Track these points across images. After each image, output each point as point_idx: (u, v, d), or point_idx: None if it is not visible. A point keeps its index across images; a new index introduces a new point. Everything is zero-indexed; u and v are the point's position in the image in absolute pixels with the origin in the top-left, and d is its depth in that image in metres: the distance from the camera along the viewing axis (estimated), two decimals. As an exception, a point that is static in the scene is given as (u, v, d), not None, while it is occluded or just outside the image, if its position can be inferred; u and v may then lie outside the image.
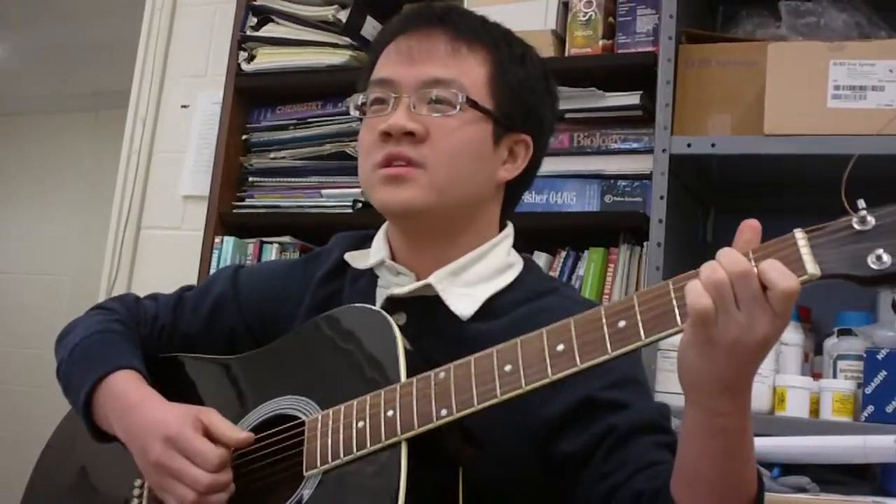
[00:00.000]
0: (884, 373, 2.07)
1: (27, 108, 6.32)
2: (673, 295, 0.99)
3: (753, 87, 2.32)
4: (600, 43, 2.59)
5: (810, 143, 2.21)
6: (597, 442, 1.16)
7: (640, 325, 1.00)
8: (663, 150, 2.34)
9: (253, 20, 3.03)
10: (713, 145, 2.32)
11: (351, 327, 1.27)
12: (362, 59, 2.90)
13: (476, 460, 1.16)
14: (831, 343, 2.26)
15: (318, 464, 1.17)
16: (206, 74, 3.35)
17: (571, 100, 2.52)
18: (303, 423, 1.21)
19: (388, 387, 1.15)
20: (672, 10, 2.41)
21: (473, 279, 1.31)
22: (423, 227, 1.32)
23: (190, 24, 3.44)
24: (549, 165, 2.21)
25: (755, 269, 0.93)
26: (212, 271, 2.82)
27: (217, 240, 2.94)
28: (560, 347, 1.05)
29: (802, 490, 1.90)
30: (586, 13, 2.60)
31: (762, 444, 1.91)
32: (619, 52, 2.59)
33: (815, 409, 2.14)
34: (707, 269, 0.95)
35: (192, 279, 2.75)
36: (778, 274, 0.92)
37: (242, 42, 3.02)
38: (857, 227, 0.95)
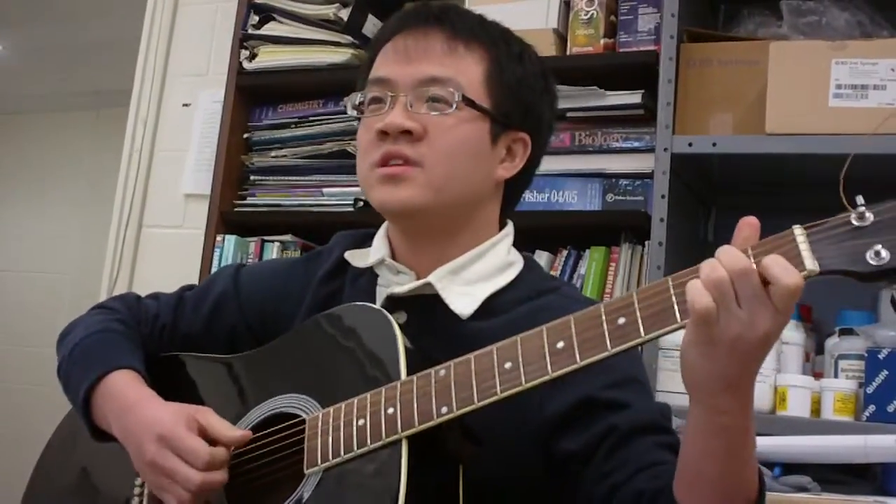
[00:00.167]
0: (885, 372, 2.07)
1: (28, 107, 6.32)
2: (672, 292, 0.99)
3: (755, 87, 2.31)
4: (602, 42, 2.58)
5: (812, 142, 2.21)
6: (598, 441, 1.16)
7: (640, 321, 1.00)
8: (665, 150, 2.34)
9: (254, 18, 3.03)
10: (714, 144, 2.32)
11: (351, 325, 1.27)
12: (364, 57, 2.86)
13: (477, 458, 1.16)
14: (832, 342, 2.26)
15: (319, 462, 1.17)
16: (207, 73, 3.35)
17: (573, 99, 2.52)
18: (303, 422, 1.21)
19: (389, 385, 1.15)
20: (674, 9, 2.41)
21: (473, 278, 1.31)
22: (421, 226, 1.32)
23: (191, 22, 3.44)
24: (550, 164, 2.22)
25: (755, 266, 0.93)
26: (213, 270, 2.82)
27: (218, 238, 2.94)
28: (560, 344, 1.05)
29: (804, 490, 1.90)
30: (588, 12, 2.60)
31: (763, 443, 1.91)
32: (621, 50, 2.59)
33: (816, 409, 2.14)
34: (707, 267, 0.95)
35: (194, 278, 2.75)
36: (781, 269, 0.92)
37: (244, 40, 3.02)
38: (855, 223, 0.95)
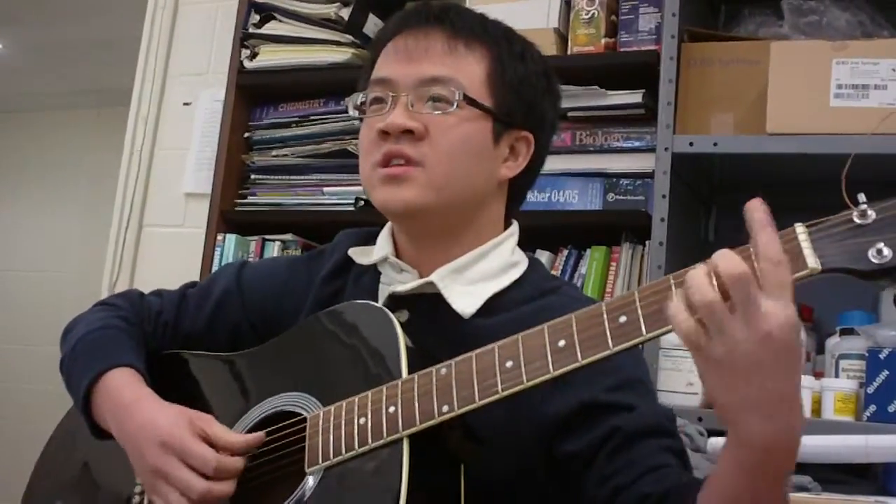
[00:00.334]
0: (886, 372, 2.07)
1: (29, 106, 6.32)
2: (674, 290, 0.98)
3: (756, 86, 2.32)
4: (603, 41, 2.59)
5: (813, 142, 2.21)
6: (600, 442, 1.15)
7: (641, 319, 1.00)
8: (665, 149, 2.34)
9: (255, 18, 3.03)
10: (715, 144, 2.33)
11: (353, 324, 1.27)
12: (364, 56, 2.87)
13: (478, 457, 1.16)
14: (833, 342, 2.26)
15: (320, 460, 1.17)
16: (208, 72, 3.36)
17: (574, 98, 2.52)
18: (304, 420, 1.21)
19: (390, 383, 1.15)
20: (675, 9, 2.41)
21: (476, 277, 1.31)
22: (424, 225, 1.32)
23: (192, 21, 3.45)
24: (551, 164, 2.21)
25: (717, 297, 0.91)
26: (214, 269, 2.82)
27: (219, 237, 2.95)
28: (561, 343, 1.05)
29: (804, 489, 1.90)
30: (589, 11, 2.60)
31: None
32: (622, 50, 2.59)
33: (817, 409, 2.14)
34: (687, 289, 0.93)
35: (194, 277, 2.74)
36: (770, 265, 0.91)
37: (245, 39, 3.03)
38: (857, 220, 0.94)
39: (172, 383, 1.38)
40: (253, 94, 3.07)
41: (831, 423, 2.08)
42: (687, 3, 2.45)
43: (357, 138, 2.84)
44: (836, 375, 2.19)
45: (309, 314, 1.36)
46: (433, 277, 1.29)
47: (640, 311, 1.00)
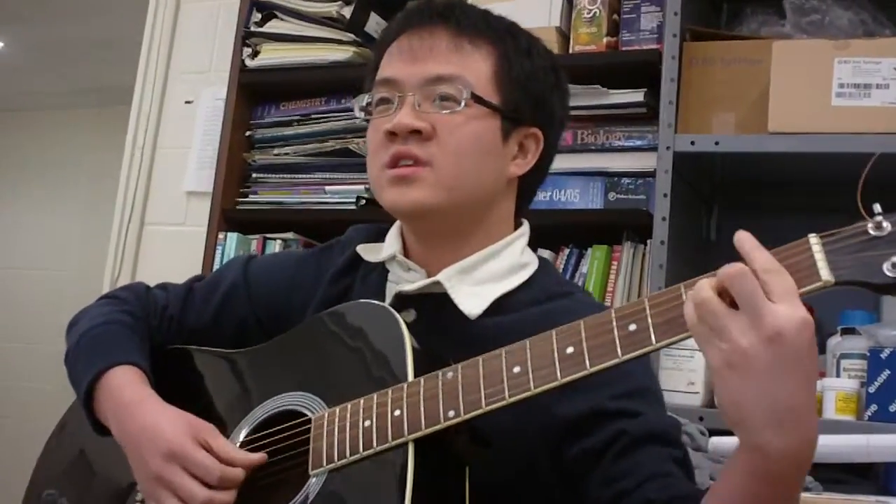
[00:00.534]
0: (887, 372, 2.07)
1: (30, 105, 6.32)
2: (685, 298, 0.96)
3: (758, 86, 2.31)
4: (604, 40, 2.58)
5: (814, 141, 2.21)
6: (606, 445, 1.15)
7: (651, 328, 0.98)
8: (667, 148, 2.34)
9: (257, 16, 3.03)
10: (717, 143, 2.32)
11: (359, 323, 1.26)
12: (366, 55, 2.90)
13: (484, 461, 1.15)
14: (835, 342, 2.26)
15: (324, 463, 1.16)
16: (209, 70, 3.36)
17: (575, 97, 2.48)
18: (309, 421, 1.21)
19: (395, 386, 1.14)
20: (676, 8, 2.41)
21: (484, 277, 1.30)
22: (434, 226, 1.31)
23: (194, 19, 3.45)
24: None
25: (711, 296, 0.91)
26: (215, 268, 2.82)
27: (220, 236, 2.95)
28: (570, 350, 1.04)
29: (805, 489, 1.89)
30: (591, 10, 2.60)
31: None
32: (624, 49, 2.59)
33: (818, 409, 2.14)
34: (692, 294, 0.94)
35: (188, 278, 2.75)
36: (776, 277, 0.90)
37: (246, 38, 3.02)
38: (872, 232, 0.92)
39: (177, 379, 1.37)
40: (254, 92, 3.07)
41: (832, 422, 2.08)
42: (689, 2, 2.44)
43: (359, 137, 2.89)
44: (838, 375, 2.19)
45: (318, 310, 1.35)
46: (440, 277, 1.28)
47: (650, 320, 0.99)
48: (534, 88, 1.34)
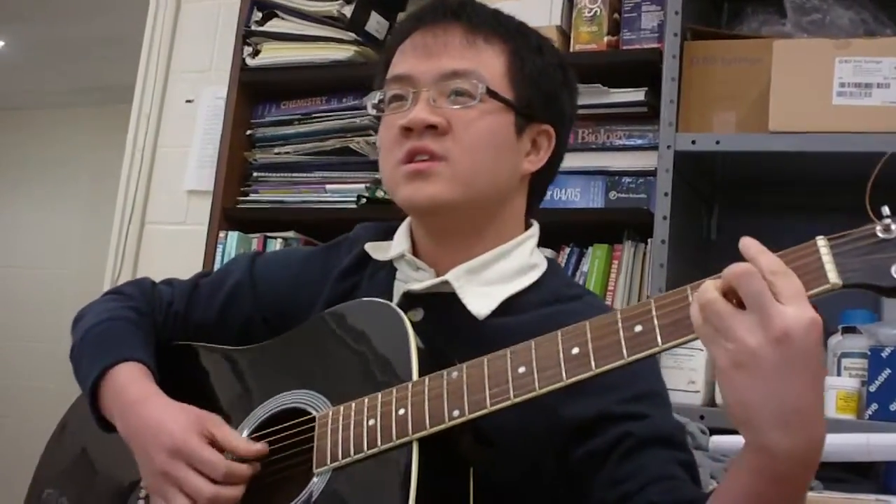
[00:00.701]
0: (888, 371, 2.07)
1: (30, 103, 6.32)
2: (691, 300, 0.96)
3: (758, 85, 2.31)
4: (605, 39, 2.59)
5: (815, 140, 2.21)
6: (611, 447, 1.14)
7: (657, 329, 0.98)
8: (668, 147, 2.34)
9: (258, 15, 3.03)
10: (718, 142, 2.32)
11: (364, 322, 1.26)
12: (367, 54, 2.90)
13: (488, 461, 1.15)
14: (835, 341, 2.26)
15: (328, 461, 1.16)
16: (210, 69, 3.36)
17: (576, 96, 2.51)
18: (313, 419, 1.21)
19: (400, 385, 1.14)
20: (677, 7, 2.41)
21: (493, 278, 1.30)
22: (448, 223, 1.31)
23: (194, 18, 3.45)
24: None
25: (716, 296, 0.91)
26: (216, 267, 2.82)
27: (221, 235, 2.95)
28: (575, 350, 1.04)
29: (806, 487, 1.89)
30: (591, 9, 2.60)
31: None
32: (624, 48, 2.59)
33: (819, 407, 2.14)
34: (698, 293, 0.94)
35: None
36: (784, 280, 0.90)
37: (247, 37, 3.03)
38: (881, 235, 0.92)
39: (181, 376, 1.37)
40: (255, 91, 3.07)
41: (833, 421, 2.08)
42: (690, 1, 2.44)
43: (359, 136, 2.88)
44: (839, 374, 2.19)
45: (324, 308, 1.34)
46: (449, 277, 1.28)
47: (656, 321, 0.99)
48: (545, 85, 1.34)
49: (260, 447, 1.23)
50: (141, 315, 1.44)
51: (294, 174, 2.97)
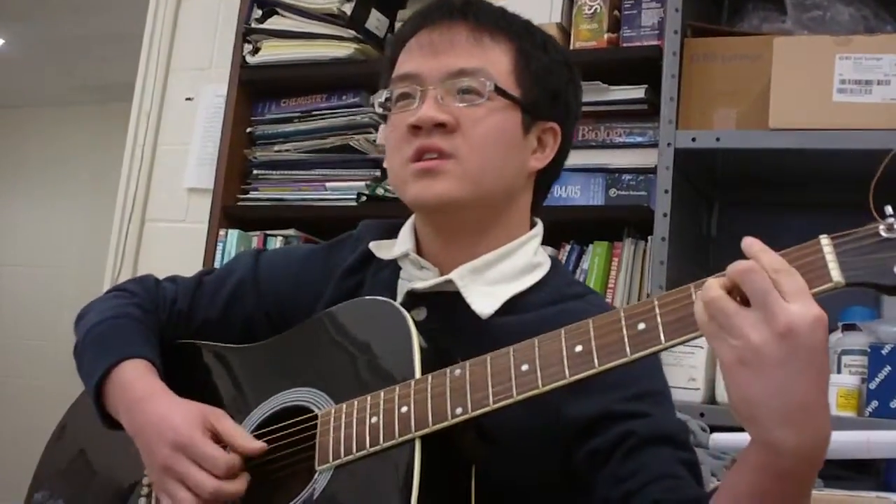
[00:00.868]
0: (888, 368, 2.07)
1: (30, 102, 6.32)
2: (695, 298, 0.96)
3: (759, 82, 2.31)
4: (605, 36, 2.59)
5: (815, 137, 2.21)
6: (614, 445, 1.14)
7: (661, 328, 0.98)
8: (668, 144, 2.34)
9: (258, 12, 3.03)
10: (718, 139, 2.32)
11: (367, 320, 1.26)
12: (367, 52, 2.90)
13: (491, 459, 1.15)
14: (835, 338, 2.26)
15: (331, 458, 1.16)
16: (210, 67, 3.36)
17: (576, 94, 2.51)
18: (315, 417, 1.21)
19: (403, 383, 1.14)
20: (677, 4, 2.41)
21: (497, 277, 1.30)
22: (455, 221, 1.31)
23: (194, 16, 3.45)
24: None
25: (720, 294, 0.92)
26: (216, 265, 2.82)
27: (221, 233, 2.95)
28: (578, 348, 1.04)
29: (806, 485, 1.89)
30: (591, 6, 2.60)
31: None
32: (624, 45, 2.59)
33: (819, 404, 2.14)
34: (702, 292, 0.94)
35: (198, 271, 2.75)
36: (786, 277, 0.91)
37: (247, 35, 3.02)
38: (884, 234, 0.92)
39: (185, 374, 1.37)
40: (255, 89, 3.07)
41: (833, 418, 2.03)
42: (690, -1, 2.45)
43: (359, 133, 2.88)
44: (839, 371, 2.19)
45: (328, 306, 1.35)
46: (453, 276, 1.28)
47: (659, 319, 0.99)
48: (551, 83, 1.35)
49: (259, 445, 1.23)
50: (145, 312, 1.44)
51: (294, 172, 2.97)
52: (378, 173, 2.82)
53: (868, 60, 2.20)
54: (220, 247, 2.94)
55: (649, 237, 2.40)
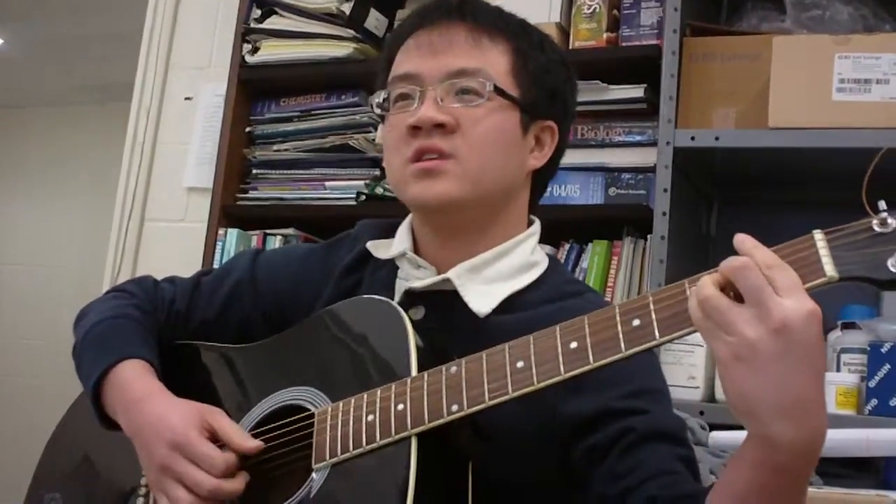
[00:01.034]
0: (887, 366, 2.07)
1: (30, 101, 6.32)
2: (689, 294, 0.97)
3: (758, 81, 2.32)
4: (604, 36, 2.59)
5: (815, 136, 2.22)
6: (612, 442, 1.14)
7: (655, 323, 0.99)
8: (667, 143, 2.34)
9: (257, 12, 3.03)
10: (717, 138, 2.33)
11: (364, 319, 1.26)
12: (366, 51, 2.90)
13: (488, 456, 1.15)
14: (835, 336, 2.26)
15: (327, 457, 1.16)
16: (209, 66, 3.36)
17: (575, 93, 2.51)
18: (312, 415, 1.21)
19: (399, 381, 1.14)
20: (676, 3, 2.41)
21: (494, 276, 1.30)
22: (455, 221, 1.31)
23: (194, 15, 3.44)
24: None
25: (714, 292, 0.92)
26: (215, 264, 2.82)
27: (220, 232, 2.95)
28: (573, 345, 1.04)
29: (805, 483, 1.89)
30: (591, 6, 2.60)
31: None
32: (624, 44, 2.59)
33: (818, 403, 2.14)
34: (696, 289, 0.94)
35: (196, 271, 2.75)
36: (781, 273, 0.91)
37: (246, 34, 3.02)
38: (877, 229, 0.92)
39: (183, 374, 1.38)
40: (254, 88, 3.07)
41: (833, 416, 2.07)
42: (689, -2, 2.45)
43: (359, 133, 2.88)
44: (838, 369, 2.19)
45: (326, 305, 1.35)
46: (450, 275, 1.29)
47: (653, 315, 0.99)
48: (548, 82, 1.35)
49: (256, 444, 1.23)
50: (144, 313, 1.45)
51: (293, 171, 2.97)
52: (377, 172, 2.82)
53: (867, 59, 2.20)
54: (219, 246, 2.94)
55: (649, 236, 2.40)
